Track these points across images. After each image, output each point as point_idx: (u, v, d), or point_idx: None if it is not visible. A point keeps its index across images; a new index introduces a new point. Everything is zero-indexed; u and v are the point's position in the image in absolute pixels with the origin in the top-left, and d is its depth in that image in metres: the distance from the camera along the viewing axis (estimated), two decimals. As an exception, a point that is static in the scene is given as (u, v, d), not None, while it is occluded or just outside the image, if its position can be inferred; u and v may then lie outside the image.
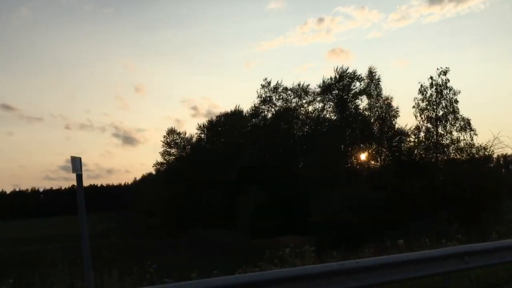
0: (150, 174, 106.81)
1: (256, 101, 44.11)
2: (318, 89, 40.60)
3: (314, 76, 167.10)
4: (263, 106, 43.95)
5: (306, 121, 42.29)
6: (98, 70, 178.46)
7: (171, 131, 58.88)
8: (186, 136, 59.71)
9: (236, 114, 52.28)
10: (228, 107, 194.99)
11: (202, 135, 56.99)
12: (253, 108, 44.72)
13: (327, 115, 40.94)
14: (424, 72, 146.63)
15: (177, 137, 59.26)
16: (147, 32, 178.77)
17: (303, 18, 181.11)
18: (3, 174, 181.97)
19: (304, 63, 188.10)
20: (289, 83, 43.65)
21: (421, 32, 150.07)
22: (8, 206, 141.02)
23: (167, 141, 59.11)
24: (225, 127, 52.43)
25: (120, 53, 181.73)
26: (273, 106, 43.36)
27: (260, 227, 33.74)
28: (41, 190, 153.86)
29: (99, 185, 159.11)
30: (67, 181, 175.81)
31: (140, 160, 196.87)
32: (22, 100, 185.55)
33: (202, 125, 56.37)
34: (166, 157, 60.31)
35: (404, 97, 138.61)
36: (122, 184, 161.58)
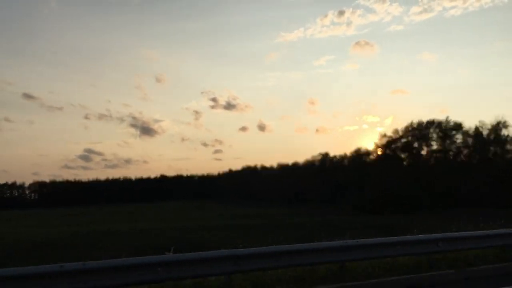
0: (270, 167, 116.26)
1: None
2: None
3: (333, 68, 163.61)
4: None
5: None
6: (121, 60, 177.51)
7: (383, 135, 69.87)
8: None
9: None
10: (247, 99, 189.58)
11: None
12: None
13: None
14: (452, 66, 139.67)
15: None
16: (171, 23, 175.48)
17: (324, 11, 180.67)
18: (24, 162, 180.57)
19: (323, 55, 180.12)
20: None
21: (444, 25, 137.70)
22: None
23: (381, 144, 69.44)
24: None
25: (144, 43, 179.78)
26: None
27: None
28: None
29: (184, 175, 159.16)
30: (85, 170, 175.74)
31: (157, 151, 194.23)
32: (44, 89, 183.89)
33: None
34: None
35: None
36: (205, 175, 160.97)
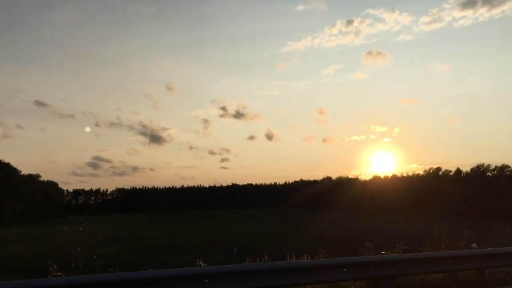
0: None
1: None
2: None
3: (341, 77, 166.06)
4: None
5: None
6: (133, 69, 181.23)
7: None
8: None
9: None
10: (256, 108, 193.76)
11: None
12: None
13: None
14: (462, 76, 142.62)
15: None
16: (182, 32, 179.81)
17: (332, 20, 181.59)
18: (34, 169, 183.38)
19: (331, 64, 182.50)
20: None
21: (453, 35, 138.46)
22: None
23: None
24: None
25: (155, 52, 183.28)
26: None
27: None
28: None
29: (254, 183, 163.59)
30: (93, 177, 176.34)
31: (165, 159, 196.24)
32: (56, 97, 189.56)
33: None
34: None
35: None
36: (272, 183, 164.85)
